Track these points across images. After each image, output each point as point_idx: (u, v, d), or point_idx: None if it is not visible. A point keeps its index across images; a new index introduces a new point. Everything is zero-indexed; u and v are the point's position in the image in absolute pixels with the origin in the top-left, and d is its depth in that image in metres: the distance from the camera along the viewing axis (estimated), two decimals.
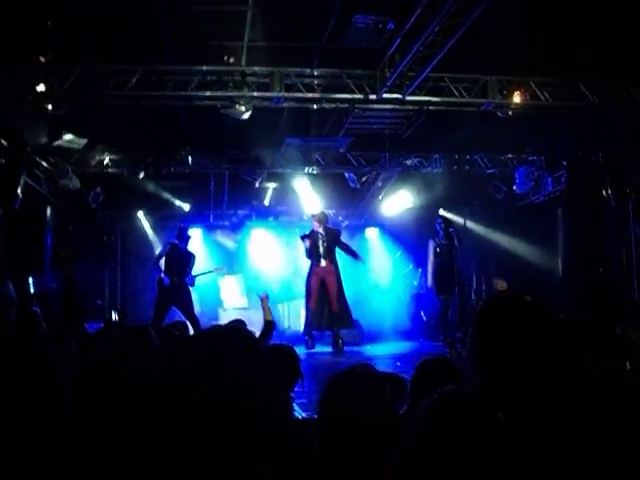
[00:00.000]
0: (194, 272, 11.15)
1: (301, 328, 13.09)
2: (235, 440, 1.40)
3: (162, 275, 10.82)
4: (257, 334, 6.93)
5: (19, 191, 9.60)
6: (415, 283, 14.18)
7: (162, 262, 11.08)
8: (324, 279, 10.80)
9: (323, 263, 10.87)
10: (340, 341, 10.68)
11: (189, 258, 11.11)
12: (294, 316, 13.63)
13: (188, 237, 11.30)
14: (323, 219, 11.05)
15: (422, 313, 13.71)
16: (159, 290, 10.84)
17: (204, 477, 1.36)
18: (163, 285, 10.75)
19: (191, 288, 11.04)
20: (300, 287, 13.04)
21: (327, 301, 10.77)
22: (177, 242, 11.18)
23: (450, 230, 10.81)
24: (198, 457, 1.38)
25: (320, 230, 10.88)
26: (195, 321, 10.26)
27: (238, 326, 1.56)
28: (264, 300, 6.17)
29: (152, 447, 1.61)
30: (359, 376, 2.09)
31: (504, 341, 1.90)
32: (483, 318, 2.04)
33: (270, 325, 5.77)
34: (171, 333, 4.52)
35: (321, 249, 10.84)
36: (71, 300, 4.97)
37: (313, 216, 11.15)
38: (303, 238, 11.05)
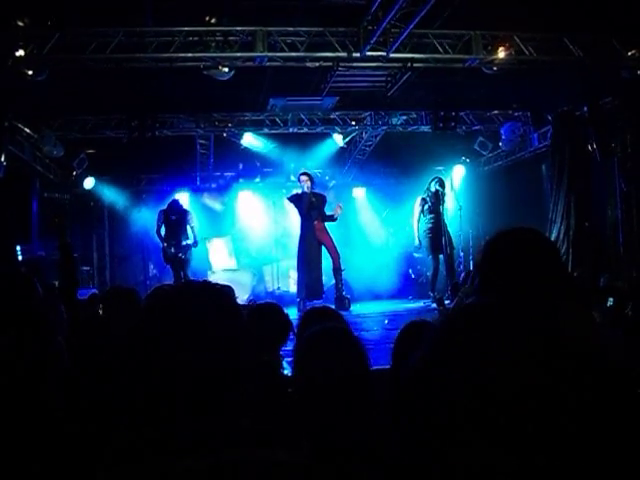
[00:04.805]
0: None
1: (290, 289, 13.18)
2: (218, 397, 1.43)
3: (163, 245, 11.46)
4: (246, 296, 7.02)
5: (2, 159, 9.53)
6: (403, 242, 14.26)
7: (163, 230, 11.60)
8: (320, 239, 10.71)
9: (316, 222, 10.71)
10: (347, 301, 10.66)
11: (183, 221, 11.53)
12: (283, 277, 13.70)
13: (179, 210, 11.71)
14: (313, 178, 10.96)
15: (410, 271, 13.83)
16: (165, 259, 11.58)
17: (188, 431, 1.40)
18: (167, 255, 11.44)
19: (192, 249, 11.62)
20: (288, 248, 13.09)
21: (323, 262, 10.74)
22: (168, 209, 11.65)
23: (436, 191, 10.81)
24: (182, 414, 1.41)
25: (309, 190, 10.70)
26: None
27: (210, 282, 1.58)
28: None
29: (137, 406, 1.64)
30: (330, 335, 2.17)
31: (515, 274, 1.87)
32: (496, 250, 2.01)
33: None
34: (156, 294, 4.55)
35: (314, 209, 10.69)
36: (68, 266, 4.95)
37: (305, 174, 10.89)
38: (293, 200, 10.93)
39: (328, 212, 11.05)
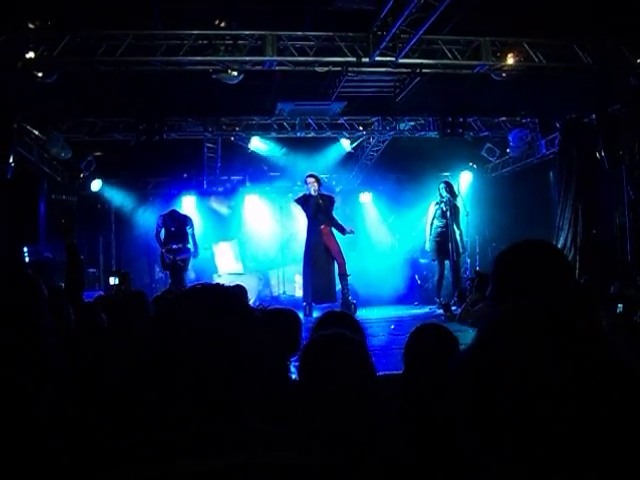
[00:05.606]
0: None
1: (296, 293, 13.15)
2: (225, 399, 1.43)
3: (162, 250, 11.58)
4: (252, 300, 7.00)
5: (11, 160, 9.56)
6: (409, 247, 14.23)
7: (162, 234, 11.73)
8: (326, 244, 10.44)
9: (322, 226, 10.45)
10: (353, 306, 10.34)
11: (182, 229, 11.67)
12: (289, 281, 13.69)
13: (178, 219, 11.86)
14: (320, 181, 10.73)
15: (416, 277, 13.79)
16: (162, 265, 11.79)
17: (195, 433, 1.39)
18: (165, 262, 11.59)
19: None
20: (294, 252, 13.06)
21: (333, 265, 10.47)
22: (168, 216, 11.82)
23: (448, 198, 10.77)
24: (189, 415, 1.40)
25: (317, 192, 10.47)
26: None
27: (222, 285, 1.57)
28: None
29: (142, 408, 1.63)
30: (330, 341, 2.16)
31: (526, 283, 1.89)
32: (509, 261, 2.03)
33: None
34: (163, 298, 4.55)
35: (321, 212, 10.44)
36: (74, 268, 4.93)
37: (312, 176, 10.64)
38: (300, 202, 10.70)
39: (339, 221, 10.83)
